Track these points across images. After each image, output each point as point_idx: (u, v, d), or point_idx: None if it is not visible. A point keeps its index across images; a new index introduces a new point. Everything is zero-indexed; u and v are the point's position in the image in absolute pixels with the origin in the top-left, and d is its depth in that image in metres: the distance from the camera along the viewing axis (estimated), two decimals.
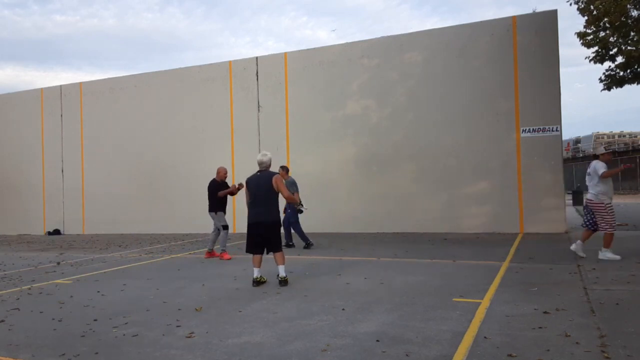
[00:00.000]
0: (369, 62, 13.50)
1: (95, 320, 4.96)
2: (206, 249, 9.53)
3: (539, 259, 7.80)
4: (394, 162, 13.08)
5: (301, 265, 8.01)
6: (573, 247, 7.71)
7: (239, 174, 14.38)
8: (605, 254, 7.41)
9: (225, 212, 9.50)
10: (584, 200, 7.14)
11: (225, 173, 9.61)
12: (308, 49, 14.39)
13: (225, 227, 9.33)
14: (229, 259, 9.00)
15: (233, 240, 12.21)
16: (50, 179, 17.49)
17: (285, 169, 10.32)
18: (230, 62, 15.11)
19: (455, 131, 12.49)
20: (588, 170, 7.51)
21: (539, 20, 11.94)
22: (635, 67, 12.73)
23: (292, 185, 9.89)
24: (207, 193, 9.41)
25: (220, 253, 9.17)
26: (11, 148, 18.22)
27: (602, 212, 7.31)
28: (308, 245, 10.16)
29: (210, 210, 9.41)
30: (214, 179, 9.55)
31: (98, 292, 6.43)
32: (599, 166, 7.29)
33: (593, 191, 7.35)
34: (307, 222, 14.43)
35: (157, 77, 16.13)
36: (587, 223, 7.63)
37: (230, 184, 9.85)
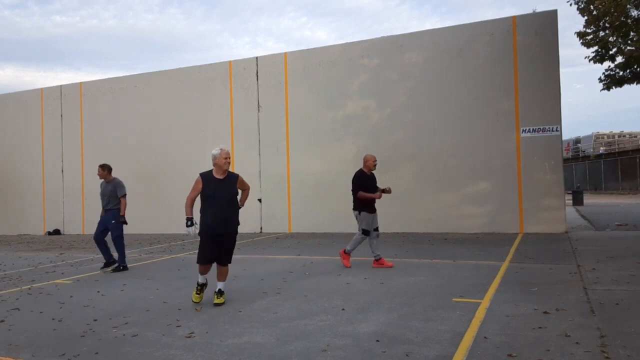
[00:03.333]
0: (369, 62, 13.50)
1: (95, 320, 4.96)
2: (373, 258, 7.67)
3: (539, 259, 7.80)
4: (394, 162, 13.07)
5: (301, 265, 8.01)
6: None
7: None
8: None
9: (372, 212, 7.53)
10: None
11: (374, 162, 7.57)
12: (308, 49, 14.39)
13: (365, 233, 7.47)
14: (348, 267, 7.56)
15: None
16: (50, 179, 17.49)
17: (106, 167, 8.35)
18: (230, 62, 15.11)
19: (455, 131, 12.49)
20: None
21: (539, 20, 11.94)
22: (635, 67, 12.72)
23: (121, 189, 8.17)
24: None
25: (346, 254, 7.70)
26: (11, 148, 18.22)
27: None
28: (119, 268, 8.10)
29: (354, 209, 7.56)
30: (360, 170, 7.57)
31: (98, 292, 6.43)
32: None
33: None
34: (308, 222, 14.50)
35: (157, 77, 16.12)
36: None
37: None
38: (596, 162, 38.22)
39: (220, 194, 5.34)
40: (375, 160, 7.56)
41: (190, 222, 5.38)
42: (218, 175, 5.44)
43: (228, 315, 4.99)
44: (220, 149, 5.43)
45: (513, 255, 8.18)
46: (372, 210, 7.53)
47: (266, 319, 4.76)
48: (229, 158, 5.46)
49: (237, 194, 5.57)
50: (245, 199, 5.82)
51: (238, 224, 5.55)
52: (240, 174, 5.92)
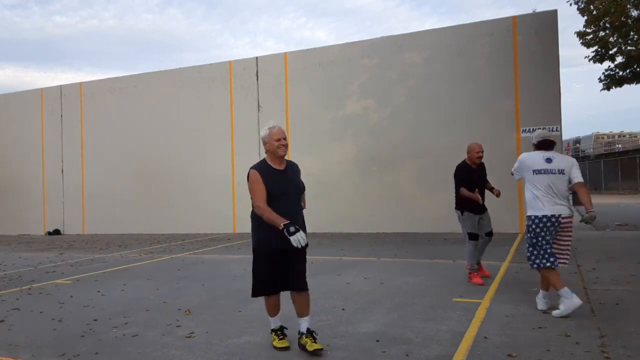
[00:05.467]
0: (369, 62, 13.50)
1: (95, 320, 4.96)
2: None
3: None
4: (394, 162, 13.07)
5: None
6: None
7: (239, 175, 14.39)
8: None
9: (477, 213, 6.37)
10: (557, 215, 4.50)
11: (478, 152, 6.41)
12: (308, 49, 14.39)
13: (472, 237, 6.27)
14: (480, 284, 6.00)
15: (233, 239, 12.22)
16: (50, 179, 17.49)
17: None
18: (230, 62, 15.11)
19: (455, 131, 12.48)
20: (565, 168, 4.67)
21: (539, 20, 11.94)
22: (635, 67, 12.73)
23: None
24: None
25: (472, 271, 6.23)
26: (11, 148, 18.21)
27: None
28: None
29: (455, 208, 6.50)
30: (462, 162, 6.50)
31: (98, 292, 6.43)
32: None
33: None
34: (307, 222, 14.42)
35: (157, 77, 16.12)
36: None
37: (476, 171, 6.46)
38: (596, 162, 38.21)
39: (284, 191, 3.81)
40: (480, 151, 6.38)
41: (292, 228, 3.55)
42: (276, 165, 3.88)
43: (228, 315, 4.99)
44: (269, 128, 3.87)
45: (513, 255, 8.18)
46: (478, 210, 6.29)
47: (266, 319, 4.75)
48: (285, 139, 3.86)
49: (304, 190, 4.08)
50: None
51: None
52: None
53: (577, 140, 59.02)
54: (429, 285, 6.09)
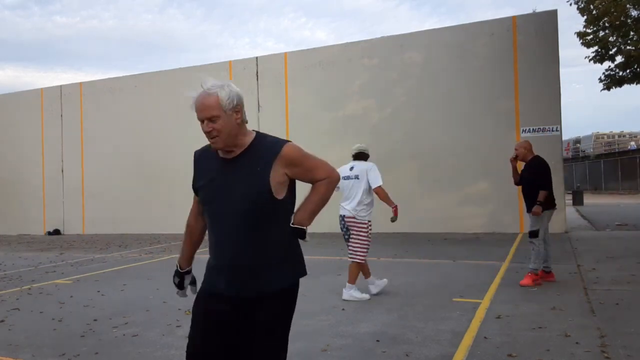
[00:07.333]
0: (369, 62, 13.50)
1: (95, 320, 4.95)
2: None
3: None
4: (394, 162, 13.06)
5: None
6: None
7: None
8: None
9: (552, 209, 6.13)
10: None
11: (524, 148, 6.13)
12: (308, 49, 14.39)
13: (532, 235, 6.03)
14: (529, 285, 5.73)
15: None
16: (50, 179, 17.48)
17: None
18: (230, 62, 15.11)
19: (455, 131, 12.49)
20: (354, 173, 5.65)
21: (539, 20, 11.94)
22: (635, 67, 12.72)
23: None
24: None
25: (531, 272, 5.87)
26: (11, 148, 18.21)
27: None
28: None
29: (543, 206, 5.96)
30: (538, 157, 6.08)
31: (98, 292, 6.43)
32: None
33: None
34: None
35: (157, 77, 16.12)
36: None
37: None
38: (596, 162, 38.20)
39: (213, 197, 2.12)
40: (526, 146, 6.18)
41: (176, 278, 2.40)
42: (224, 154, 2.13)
43: None
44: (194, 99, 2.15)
45: (513, 255, 8.18)
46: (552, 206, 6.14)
47: None
48: (212, 122, 2.03)
49: (269, 196, 2.07)
50: (320, 203, 2.30)
51: (285, 277, 2.25)
52: None
53: (577, 140, 59.01)
54: (429, 285, 6.09)
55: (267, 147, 2.12)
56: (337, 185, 5.14)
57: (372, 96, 13.42)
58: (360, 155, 5.78)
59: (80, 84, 17.23)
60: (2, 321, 5.07)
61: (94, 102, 16.91)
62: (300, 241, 2.25)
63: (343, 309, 5.01)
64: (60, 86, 17.54)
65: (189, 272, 2.40)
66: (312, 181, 2.23)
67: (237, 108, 2.08)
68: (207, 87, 2.12)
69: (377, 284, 5.64)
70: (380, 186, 5.49)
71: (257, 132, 2.22)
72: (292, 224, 2.15)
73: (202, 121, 2.06)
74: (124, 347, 4.09)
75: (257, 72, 14.70)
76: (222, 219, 2.10)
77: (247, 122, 2.19)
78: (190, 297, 2.32)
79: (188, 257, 2.39)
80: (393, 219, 5.56)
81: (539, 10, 13.65)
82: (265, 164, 2.06)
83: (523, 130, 11.86)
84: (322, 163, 2.27)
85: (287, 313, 2.21)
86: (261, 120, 14.60)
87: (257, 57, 14.78)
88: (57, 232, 17.08)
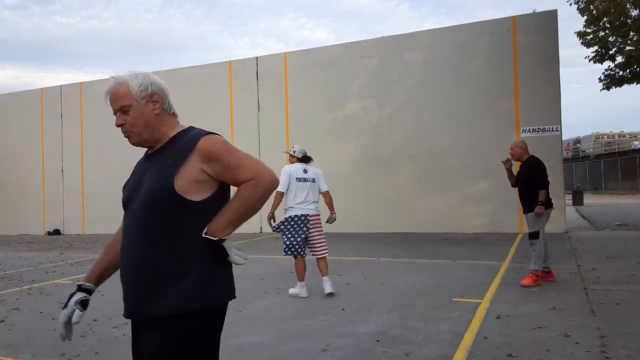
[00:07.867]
0: (369, 62, 13.50)
1: (95, 320, 4.95)
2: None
3: None
4: (394, 162, 13.07)
5: None
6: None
7: None
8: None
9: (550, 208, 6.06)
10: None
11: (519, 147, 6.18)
12: (308, 49, 14.40)
13: (532, 236, 5.94)
14: (530, 285, 5.72)
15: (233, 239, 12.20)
16: (50, 179, 17.48)
17: None
18: (230, 62, 15.11)
19: (455, 131, 12.49)
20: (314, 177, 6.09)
21: (539, 20, 11.94)
22: (635, 67, 12.73)
23: None
24: None
25: (532, 273, 5.84)
26: (11, 148, 18.21)
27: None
28: None
29: (538, 209, 5.81)
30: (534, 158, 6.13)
31: (98, 292, 6.37)
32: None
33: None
34: None
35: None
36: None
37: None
38: (596, 162, 38.20)
39: (127, 198, 1.91)
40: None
41: (71, 298, 2.07)
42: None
43: (228, 315, 4.97)
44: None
45: (513, 255, 8.17)
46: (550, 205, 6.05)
47: (266, 319, 4.76)
48: (121, 100, 1.98)
49: (169, 192, 1.73)
50: (240, 209, 1.83)
51: (183, 297, 1.75)
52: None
53: (577, 140, 59.00)
54: (429, 285, 6.09)
55: (186, 140, 1.84)
56: (283, 190, 5.72)
57: (372, 96, 13.42)
58: (309, 158, 6.07)
59: (80, 84, 17.23)
60: (2, 321, 5.07)
61: (94, 102, 16.89)
62: (236, 258, 1.88)
63: (343, 309, 5.01)
64: (60, 86, 17.54)
65: (89, 291, 2.05)
66: (236, 182, 1.81)
67: (154, 97, 1.90)
68: (118, 76, 1.92)
69: (298, 288, 5.76)
70: (327, 191, 6.34)
71: (189, 127, 1.96)
72: (205, 233, 1.74)
73: (115, 114, 1.93)
74: (124, 347, 4.08)
75: (257, 72, 14.70)
76: (127, 221, 1.83)
77: (175, 115, 1.98)
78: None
79: (97, 273, 2.11)
80: (331, 221, 6.55)
81: (539, 10, 13.66)
82: (177, 157, 1.77)
83: (523, 130, 11.86)
84: (251, 161, 1.87)
85: (171, 352, 1.68)
86: (261, 120, 14.62)
87: (257, 57, 14.78)
88: (57, 232, 17.08)
